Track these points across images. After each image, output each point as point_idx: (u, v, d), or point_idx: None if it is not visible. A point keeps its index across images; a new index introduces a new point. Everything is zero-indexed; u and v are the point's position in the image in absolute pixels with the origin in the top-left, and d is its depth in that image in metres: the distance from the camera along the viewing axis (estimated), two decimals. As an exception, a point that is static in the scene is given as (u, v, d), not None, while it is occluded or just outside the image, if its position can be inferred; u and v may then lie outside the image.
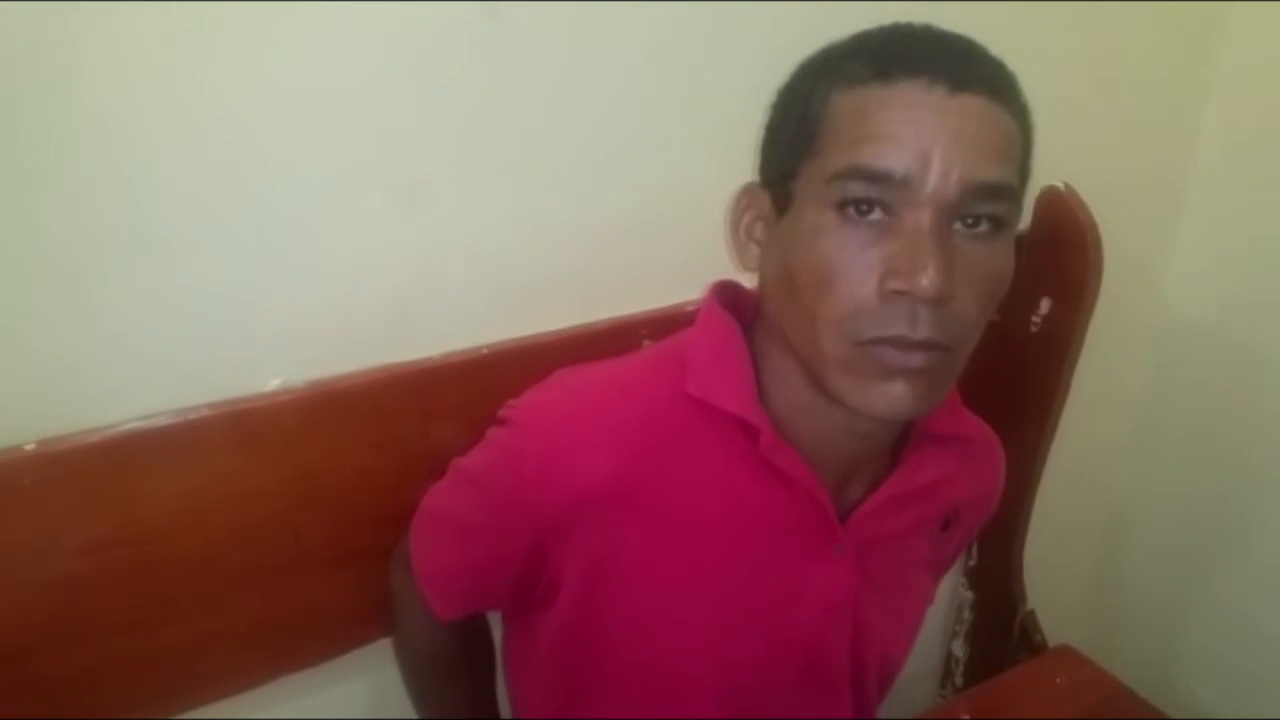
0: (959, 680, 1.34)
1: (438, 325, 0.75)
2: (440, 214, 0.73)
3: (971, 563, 1.27)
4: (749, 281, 0.66)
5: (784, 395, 0.60)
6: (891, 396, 0.52)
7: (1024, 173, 0.55)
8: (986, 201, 0.51)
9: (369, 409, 0.73)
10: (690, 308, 0.86)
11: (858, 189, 0.51)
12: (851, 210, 0.52)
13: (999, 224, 0.53)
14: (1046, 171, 1.05)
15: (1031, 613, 1.25)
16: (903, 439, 0.66)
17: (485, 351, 0.77)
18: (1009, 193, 0.52)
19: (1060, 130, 1.06)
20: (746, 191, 0.61)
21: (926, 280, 0.49)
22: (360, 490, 0.75)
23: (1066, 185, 0.98)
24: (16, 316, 0.60)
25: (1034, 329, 1.05)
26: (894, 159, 0.50)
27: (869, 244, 0.51)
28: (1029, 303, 1.04)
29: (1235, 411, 1.30)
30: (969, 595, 1.30)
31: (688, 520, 0.61)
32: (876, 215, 0.51)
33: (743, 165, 0.87)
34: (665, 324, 0.83)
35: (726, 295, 0.66)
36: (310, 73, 0.64)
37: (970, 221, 0.52)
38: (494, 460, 0.65)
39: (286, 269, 0.68)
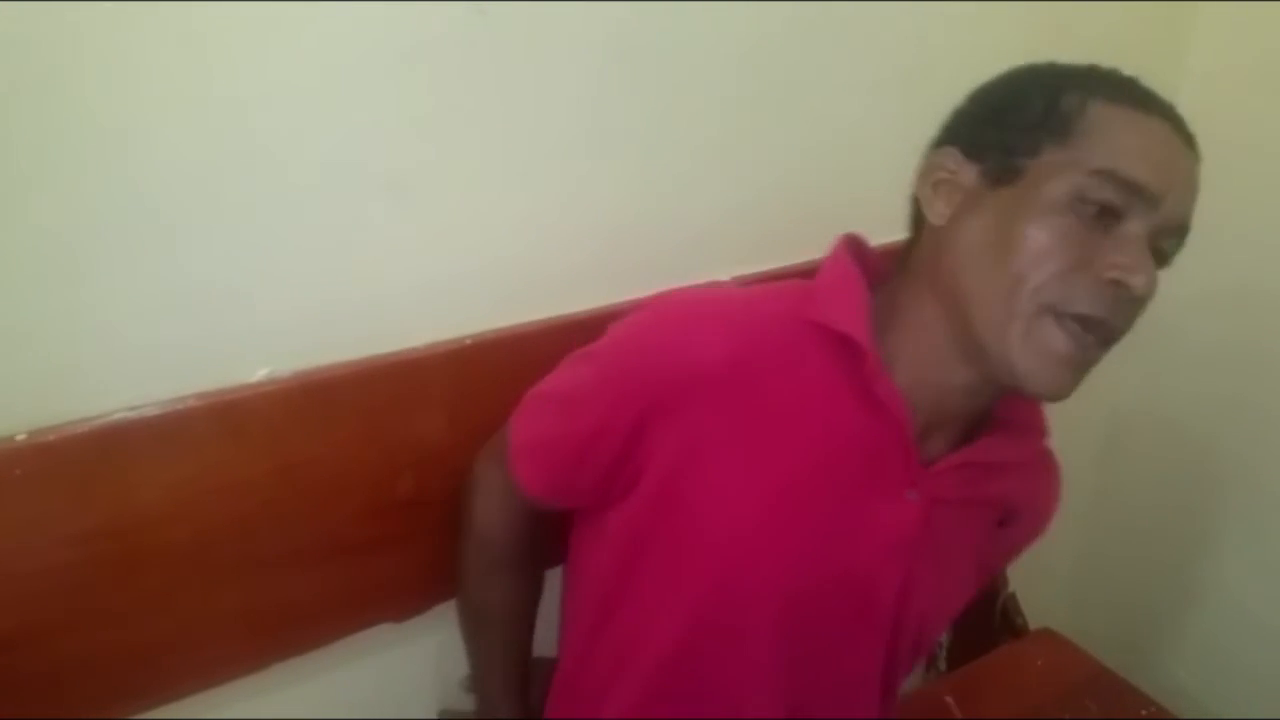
0: (942, 665, 1.36)
1: (422, 316, 0.76)
2: (424, 206, 0.74)
3: (953, 549, 1.29)
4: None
5: (904, 340, 0.66)
6: (1063, 375, 0.60)
7: None
8: (1178, 239, 0.62)
9: (355, 399, 0.74)
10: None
11: (1108, 192, 0.59)
12: (1084, 208, 0.59)
13: (1166, 261, 0.63)
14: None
15: (1012, 596, 1.27)
16: (980, 421, 0.70)
17: (469, 342, 0.78)
18: (1186, 236, 0.63)
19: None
20: (943, 155, 0.66)
21: (1144, 280, 0.58)
22: (347, 480, 0.76)
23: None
24: (7, 309, 0.60)
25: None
26: (1152, 178, 0.59)
27: (1092, 236, 0.59)
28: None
29: (1208, 398, 1.32)
30: (951, 581, 1.32)
31: (783, 424, 0.65)
32: (1104, 218, 0.60)
33: (726, 157, 0.89)
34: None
35: (854, 247, 0.71)
36: (296, 68, 0.65)
37: (1159, 255, 0.61)
38: (619, 336, 0.69)
39: (272, 261, 0.69)
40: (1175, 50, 1.23)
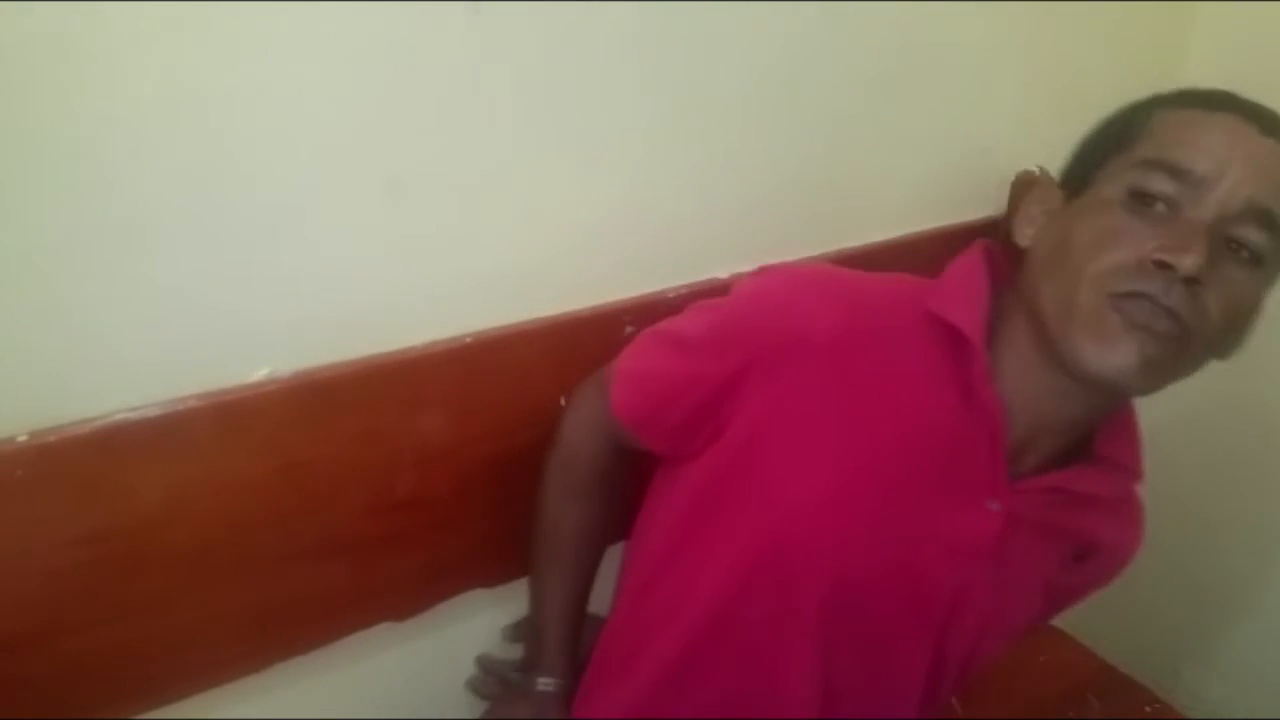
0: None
1: (421, 315, 0.77)
2: (423, 207, 0.74)
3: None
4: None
5: (1007, 353, 0.66)
6: (1124, 350, 0.58)
7: None
8: (1258, 228, 0.59)
9: (354, 399, 0.74)
10: (671, 295, 0.88)
11: (1156, 180, 0.59)
12: (1137, 203, 0.60)
13: (1259, 258, 0.60)
14: (1021, 158, 1.08)
15: (1015, 594, 1.27)
16: (1080, 450, 0.70)
17: (469, 341, 0.79)
18: (1275, 223, 0.59)
19: (1033, 119, 1.09)
20: (1033, 179, 0.69)
21: (1190, 259, 0.56)
22: (347, 479, 0.76)
23: (1041, 168, 1.00)
24: (8, 310, 0.60)
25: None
26: (1198, 161, 0.58)
27: (1147, 226, 0.59)
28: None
29: (1202, 392, 1.32)
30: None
31: (874, 411, 0.66)
32: (1160, 209, 0.59)
33: (728, 157, 0.89)
34: (645, 310, 0.85)
35: (988, 252, 0.71)
36: (292, 70, 0.65)
37: (1235, 246, 0.59)
38: (743, 292, 0.72)
39: (273, 261, 0.69)
40: (1177, 45, 1.22)
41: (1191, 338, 0.59)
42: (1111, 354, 0.59)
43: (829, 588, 0.67)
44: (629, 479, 0.83)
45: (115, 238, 0.62)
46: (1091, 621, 1.28)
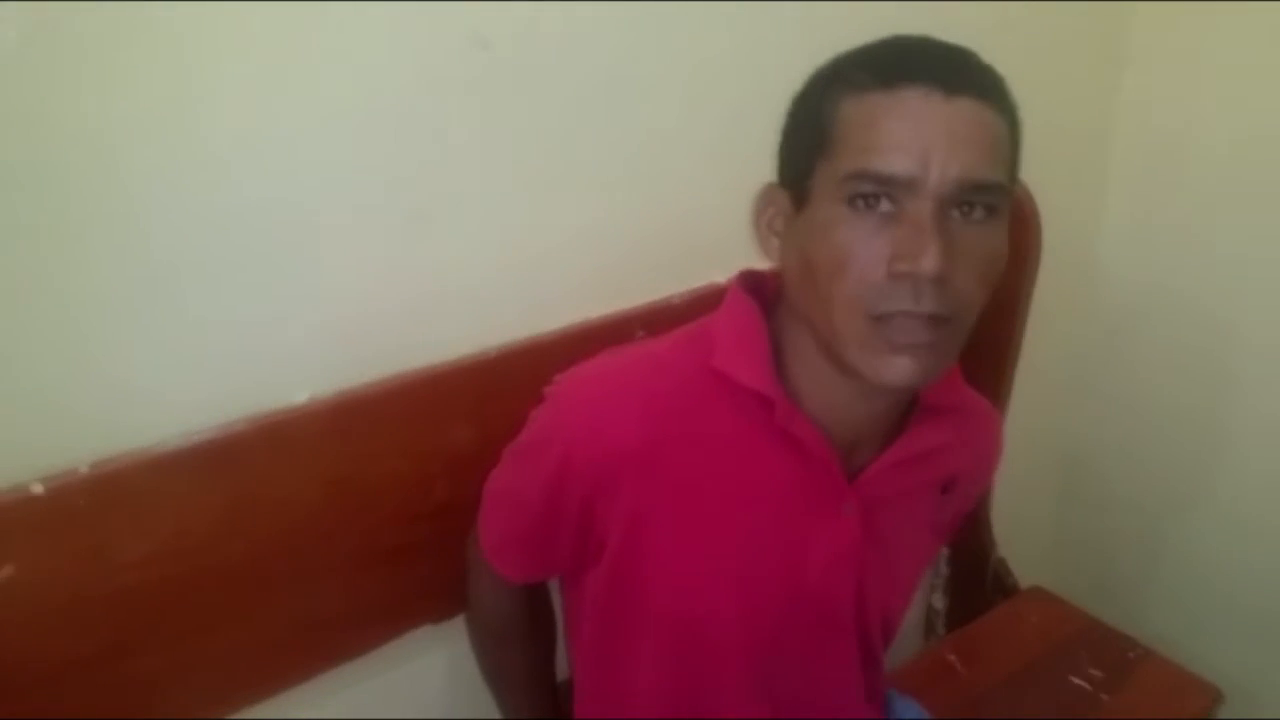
0: (941, 630, 1.43)
1: (447, 331, 0.81)
2: (444, 231, 0.79)
3: (944, 519, 1.35)
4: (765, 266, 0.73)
5: (801, 369, 0.67)
6: (900, 368, 0.59)
7: (1014, 166, 0.63)
8: (979, 195, 0.59)
9: (390, 414, 0.79)
10: (676, 300, 0.94)
11: (867, 188, 0.58)
12: (861, 203, 0.59)
13: (992, 210, 0.60)
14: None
15: (1002, 560, 1.34)
16: (907, 410, 0.71)
17: (492, 354, 0.83)
18: (998, 189, 0.60)
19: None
20: (767, 190, 0.68)
21: (928, 262, 0.56)
22: (385, 491, 0.80)
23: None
24: (68, 352, 0.64)
25: (985, 296, 1.15)
26: (899, 163, 0.57)
27: (877, 232, 0.59)
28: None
29: (1171, 358, 1.41)
30: (944, 550, 1.39)
31: (712, 482, 0.68)
32: (884, 206, 0.59)
33: (719, 171, 0.94)
34: (653, 316, 0.91)
35: (749, 282, 0.72)
36: (322, 104, 0.69)
37: (966, 209, 0.59)
38: (538, 434, 0.72)
39: (311, 291, 0.74)
40: (1117, 38, 1.31)
41: (957, 320, 0.60)
42: (889, 372, 0.60)
43: (746, 641, 0.72)
44: (550, 611, 0.87)
45: (164, 281, 0.67)
46: (1072, 582, 1.36)
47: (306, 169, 0.70)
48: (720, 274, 0.97)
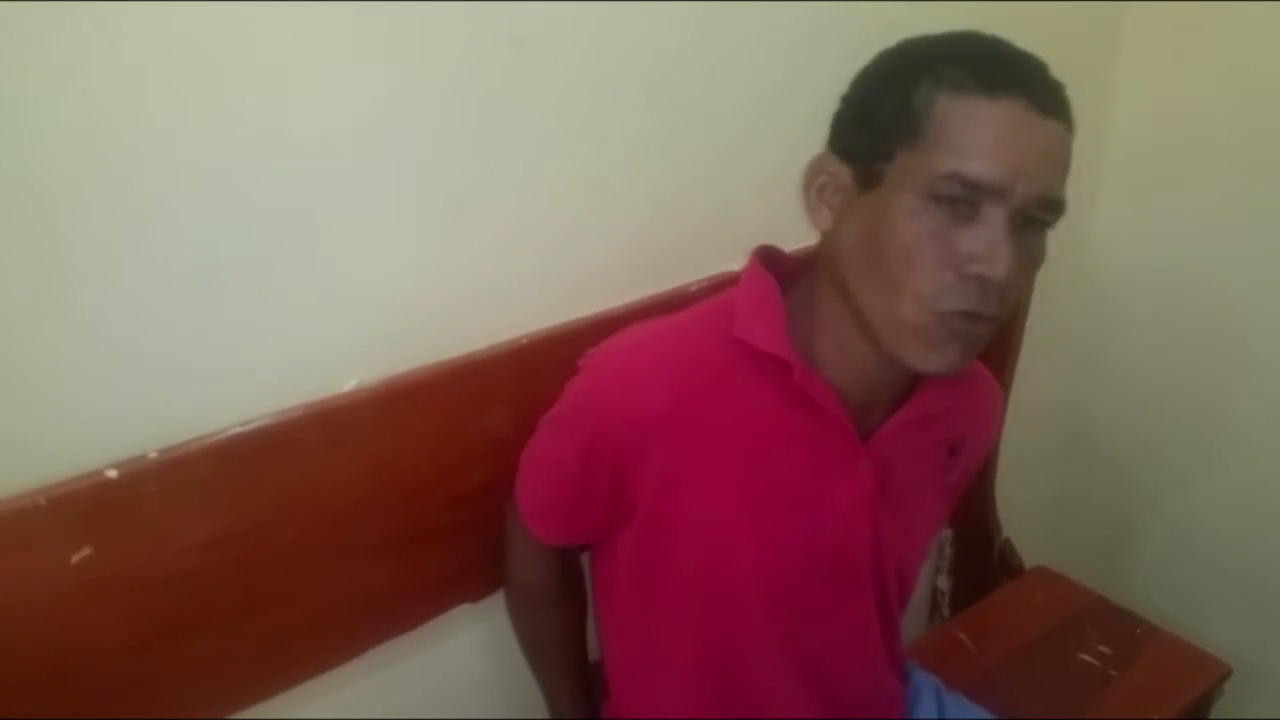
0: (946, 612, 1.47)
1: (484, 320, 0.85)
2: (481, 224, 0.82)
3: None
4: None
5: (823, 336, 0.72)
6: (947, 358, 0.65)
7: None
8: (1050, 211, 0.64)
9: (432, 401, 0.82)
10: (694, 288, 0.98)
11: (955, 189, 0.61)
12: (939, 205, 0.62)
13: (1048, 223, 0.66)
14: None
15: (1007, 540, 1.39)
16: (916, 375, 0.75)
17: (525, 341, 0.87)
18: (1063, 207, 0.65)
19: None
20: (821, 159, 0.70)
21: (1001, 269, 0.61)
22: (428, 475, 0.84)
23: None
24: (140, 346, 0.68)
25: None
26: (993, 172, 0.61)
27: (951, 228, 0.62)
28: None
29: (1168, 338, 1.45)
30: (948, 533, 1.43)
31: (735, 442, 0.73)
32: (962, 207, 0.62)
33: (742, 167, 0.98)
34: (672, 304, 0.94)
35: (766, 257, 0.77)
36: (370, 109, 0.73)
37: (1032, 220, 0.64)
38: (573, 402, 0.77)
39: (359, 284, 0.77)
40: (1112, 32, 1.35)
41: (1001, 319, 0.66)
42: (937, 359, 0.65)
43: (769, 591, 0.76)
44: (582, 579, 0.92)
45: (227, 281, 0.71)
46: (1073, 565, 1.40)
47: (354, 169, 0.74)
48: (737, 265, 1.01)
